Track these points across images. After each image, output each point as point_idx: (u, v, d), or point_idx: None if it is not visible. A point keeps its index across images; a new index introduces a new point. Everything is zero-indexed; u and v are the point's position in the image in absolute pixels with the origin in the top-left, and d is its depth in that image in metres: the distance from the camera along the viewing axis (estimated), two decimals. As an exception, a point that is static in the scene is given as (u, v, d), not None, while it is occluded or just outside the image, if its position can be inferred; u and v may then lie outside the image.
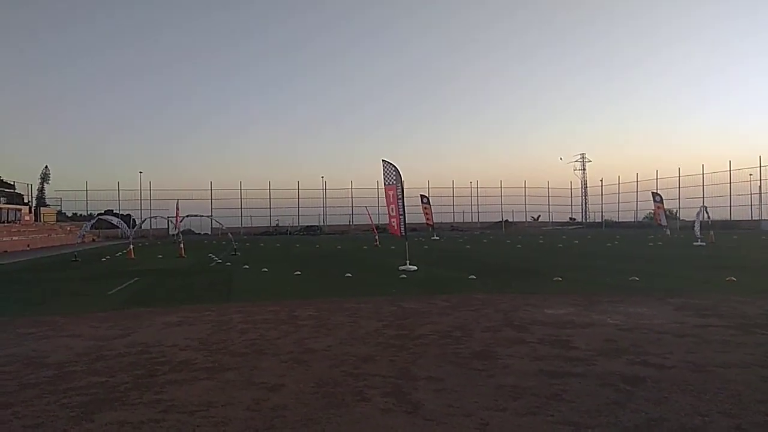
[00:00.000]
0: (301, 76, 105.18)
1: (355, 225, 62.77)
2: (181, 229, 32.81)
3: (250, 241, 41.50)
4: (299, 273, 16.32)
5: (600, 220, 68.91)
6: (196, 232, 57.33)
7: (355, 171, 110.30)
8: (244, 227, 60.03)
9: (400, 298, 10.87)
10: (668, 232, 36.25)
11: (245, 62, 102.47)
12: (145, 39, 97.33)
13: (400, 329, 7.75)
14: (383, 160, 17.57)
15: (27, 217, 45.55)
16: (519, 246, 29.50)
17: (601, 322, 7.95)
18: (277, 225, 63.45)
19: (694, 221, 29.54)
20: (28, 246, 35.89)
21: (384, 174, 17.45)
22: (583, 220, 75.12)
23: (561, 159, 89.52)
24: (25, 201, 51.19)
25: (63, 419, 4.35)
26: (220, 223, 33.31)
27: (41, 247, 36.74)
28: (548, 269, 16.15)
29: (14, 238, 35.79)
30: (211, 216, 37.89)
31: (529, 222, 71.34)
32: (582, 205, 77.99)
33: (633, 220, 65.84)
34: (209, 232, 57.26)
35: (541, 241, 34.34)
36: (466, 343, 6.82)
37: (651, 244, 29.37)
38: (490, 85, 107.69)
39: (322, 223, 65.15)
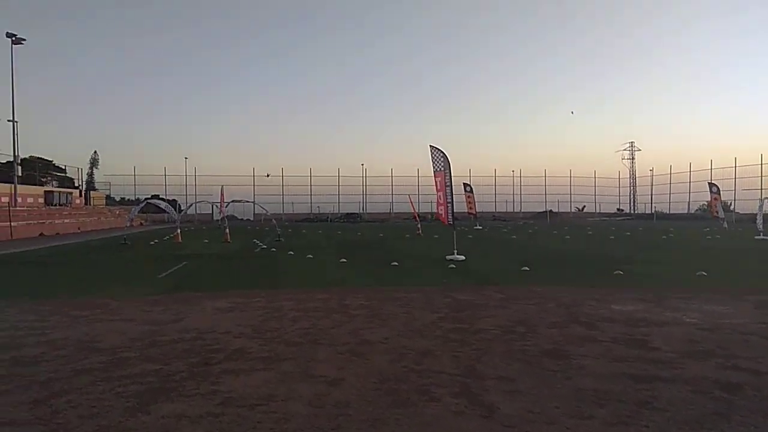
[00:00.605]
0: (341, 63, 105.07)
1: (395, 213, 62.46)
2: (225, 215, 33.20)
3: (291, 228, 41.75)
4: (345, 260, 16.12)
5: (649, 212, 66.51)
6: (239, 217, 58.13)
7: (396, 159, 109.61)
8: (286, 213, 60.54)
9: (452, 289, 10.50)
10: (725, 225, 34.46)
11: (286, 49, 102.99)
12: (189, 26, 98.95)
13: (457, 322, 7.38)
14: (431, 146, 17.12)
15: (78, 201, 47.16)
16: (567, 237, 28.56)
17: (676, 321, 7.38)
18: (318, 212, 63.80)
19: (755, 214, 27.93)
20: (79, 228, 37.09)
21: (432, 160, 17.00)
22: (632, 212, 72.67)
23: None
24: (76, 185, 53.12)
25: (118, 410, 4.18)
26: (265, 209, 33.56)
27: (91, 230, 37.92)
28: (604, 262, 15.43)
29: (66, 220, 37.04)
30: (254, 201, 38.25)
31: (573, 212, 69.52)
32: (630, 195, 75.53)
33: (685, 211, 63.24)
34: (251, 218, 58.11)
35: (590, 233, 33.22)
36: (532, 339, 6.39)
37: (709, 237, 27.95)
38: (533, 72, 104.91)
39: (362, 211, 65.16)
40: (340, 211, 64.00)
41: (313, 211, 64.23)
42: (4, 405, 4.29)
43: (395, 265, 14.76)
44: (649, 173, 70.56)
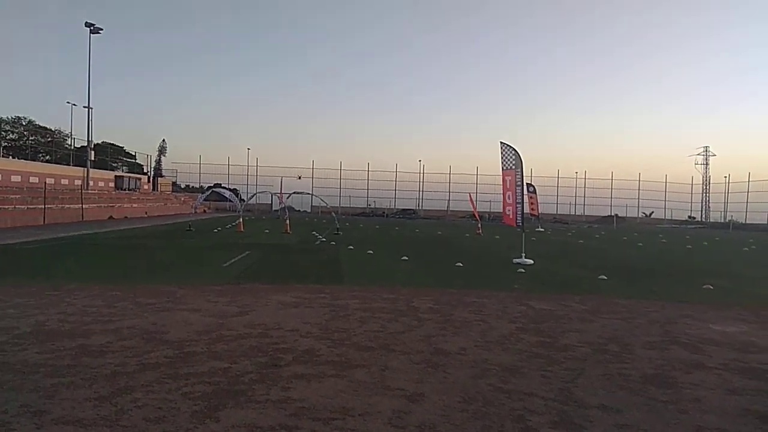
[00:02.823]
0: (401, 60, 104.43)
1: (451, 211, 61.52)
2: (285, 205, 33.49)
3: (348, 221, 41.74)
4: (406, 258, 15.67)
5: (724, 220, 62.48)
6: (297, 209, 58.85)
7: (454, 156, 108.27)
8: (342, 207, 60.74)
9: (526, 296, 9.85)
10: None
11: (346, 46, 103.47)
12: (261, 31, 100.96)
13: (539, 335, 6.77)
14: (502, 143, 16.37)
15: (146, 186, 48.94)
16: (640, 244, 27.00)
17: (794, 349, 6.47)
18: (374, 206, 63.69)
19: None
20: (146, 213, 38.42)
21: (502, 157, 16.24)
22: (704, 220, 68.55)
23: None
24: (145, 171, 55.13)
25: (186, 414, 3.86)
26: (325, 202, 33.59)
27: (157, 215, 39.20)
28: (689, 273, 14.28)
29: (134, 205, 38.47)
30: (312, 193, 38.42)
31: (640, 218, 66.25)
32: (702, 202, 71.21)
33: (764, 221, 58.96)
34: (309, 210, 58.62)
35: (663, 240, 31.32)
36: (630, 362, 5.70)
37: (798, 251, 25.71)
38: (601, 70, 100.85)
39: (418, 207, 64.54)
40: (396, 207, 63.66)
41: (369, 206, 64.19)
42: (69, 400, 4.07)
43: (459, 266, 14.18)
44: (724, 180, 66.30)
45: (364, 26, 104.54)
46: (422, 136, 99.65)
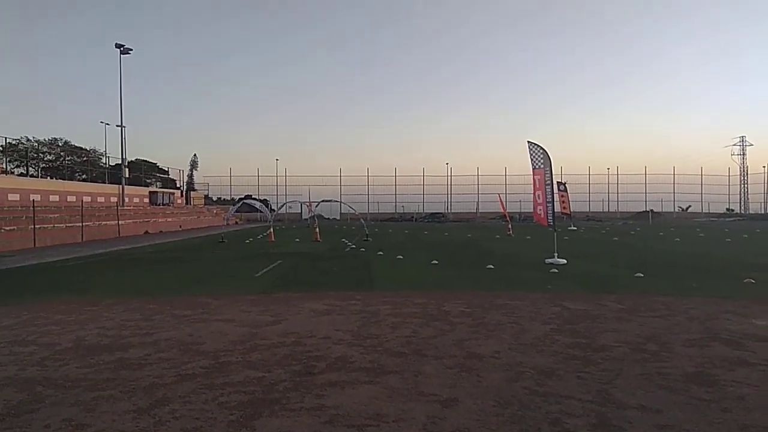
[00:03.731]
0: (427, 63, 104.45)
1: (480, 213, 61.04)
2: (314, 214, 33.77)
3: (377, 227, 41.83)
4: (436, 262, 15.62)
5: (764, 211, 60.36)
6: (326, 217, 59.25)
7: (482, 157, 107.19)
8: (371, 213, 60.93)
9: (559, 296, 9.70)
10: None
11: (374, 57, 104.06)
12: (283, 35, 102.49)
13: (574, 336, 6.65)
14: (529, 142, 16.21)
15: (179, 201, 50.01)
16: (677, 239, 26.29)
17: None
18: (402, 211, 63.67)
19: None
20: (180, 227, 39.25)
21: (531, 157, 16.07)
22: (743, 212, 66.33)
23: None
24: (178, 185, 56.37)
25: (222, 424, 3.92)
26: (353, 209, 33.76)
27: (191, 228, 40.02)
28: (728, 268, 13.84)
29: (168, 219, 39.35)
30: (341, 201, 38.63)
31: (677, 213, 64.50)
32: (741, 194, 68.89)
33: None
34: (338, 218, 59.01)
35: (701, 235, 30.44)
36: (669, 360, 5.56)
37: None
38: (630, 62, 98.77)
39: (446, 210, 64.28)
40: (425, 211, 63.51)
41: (397, 211, 64.20)
42: (109, 413, 4.18)
43: (491, 268, 14.06)
44: (763, 170, 64.08)
45: (385, 25, 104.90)
46: (449, 138, 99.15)
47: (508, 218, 35.23)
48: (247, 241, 26.31)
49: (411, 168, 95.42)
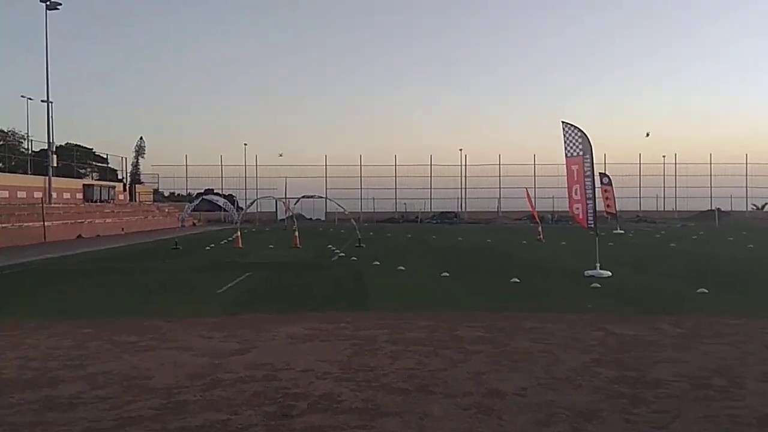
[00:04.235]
0: (435, 22, 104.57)
1: (503, 212, 61.19)
2: (293, 213, 33.85)
3: (373, 230, 41.95)
4: (447, 274, 15.69)
5: None
6: (308, 217, 59.42)
7: (505, 141, 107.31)
8: (365, 212, 60.89)
9: (603, 318, 9.78)
10: None
11: (367, 8, 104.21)
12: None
13: (621, 368, 6.70)
14: (564, 123, 16.26)
15: (121, 196, 50.05)
16: (751, 246, 26.41)
17: None
18: (404, 210, 63.77)
19: None
20: (123, 230, 39.30)
21: (565, 141, 16.12)
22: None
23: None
24: (119, 177, 56.48)
25: (178, 479, 3.94)
26: (342, 207, 33.84)
27: (137, 232, 40.05)
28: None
29: (107, 220, 39.38)
30: (326, 197, 38.74)
31: (750, 212, 64.79)
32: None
33: None
34: (323, 218, 59.11)
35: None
36: (739, 399, 5.60)
37: None
38: (691, 26, 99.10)
39: (460, 209, 64.43)
40: (432, 209, 63.65)
41: (398, 210, 64.33)
42: (35, 465, 4.19)
43: (516, 282, 14.14)
44: None
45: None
46: (463, 117, 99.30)
47: (537, 219, 35.34)
48: (208, 248, 26.43)
49: (415, 155, 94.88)
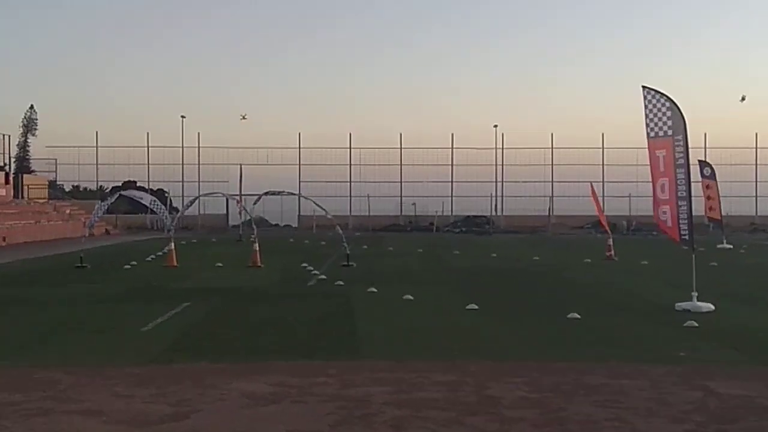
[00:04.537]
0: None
1: (556, 216, 61.18)
2: (251, 216, 33.82)
3: (368, 241, 41.99)
4: (475, 307, 15.72)
5: None
6: (273, 222, 59.57)
7: (557, 116, 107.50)
8: (355, 215, 60.92)
9: (701, 371, 9.83)
10: None
11: None
12: None
13: (727, 444, 6.75)
14: (645, 88, 16.29)
15: (2, 191, 49.82)
16: None
17: None
18: (413, 214, 63.75)
19: None
20: (4, 240, 39.22)
21: (647, 116, 16.13)
22: None
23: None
24: (0, 164, 56.40)
25: None
26: (323, 209, 33.71)
27: (25, 242, 40.03)
28: None
29: (-22, 226, 39.33)
30: (299, 194, 38.74)
31: None
32: None
33: None
34: (294, 224, 59.19)
35: None
36: None
37: None
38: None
39: (494, 212, 64.34)
40: (454, 212, 63.67)
41: (404, 212, 64.31)
42: None
43: (576, 319, 14.18)
44: None
45: None
46: (499, 81, 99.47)
47: (607, 227, 35.39)
48: (128, 267, 26.42)
49: (429, 134, 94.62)
